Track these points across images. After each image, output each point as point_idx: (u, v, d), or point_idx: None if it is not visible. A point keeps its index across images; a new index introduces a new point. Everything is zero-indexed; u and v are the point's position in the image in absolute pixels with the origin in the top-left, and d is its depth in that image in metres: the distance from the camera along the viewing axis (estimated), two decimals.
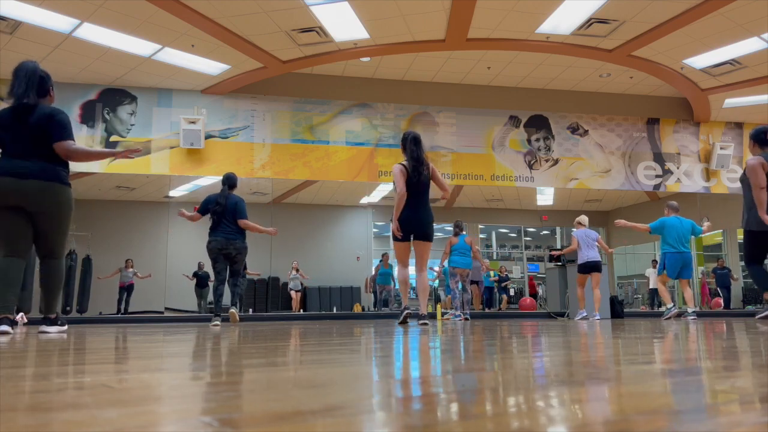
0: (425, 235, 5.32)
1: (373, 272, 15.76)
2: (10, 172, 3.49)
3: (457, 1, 8.50)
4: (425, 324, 5.14)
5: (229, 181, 6.29)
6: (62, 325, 3.81)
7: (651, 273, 15.83)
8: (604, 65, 11.07)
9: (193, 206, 6.53)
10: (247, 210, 6.35)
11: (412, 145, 5.31)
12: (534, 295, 17.00)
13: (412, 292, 5.75)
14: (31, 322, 6.83)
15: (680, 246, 7.72)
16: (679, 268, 7.73)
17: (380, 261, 14.37)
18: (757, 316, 5.94)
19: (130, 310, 13.48)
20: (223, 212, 6.11)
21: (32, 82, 3.65)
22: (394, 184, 5.33)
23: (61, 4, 8.19)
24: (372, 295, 16.00)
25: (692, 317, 7.49)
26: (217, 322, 5.97)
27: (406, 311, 5.26)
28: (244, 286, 6.51)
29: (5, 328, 3.46)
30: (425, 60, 10.89)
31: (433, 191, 5.58)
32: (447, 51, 10.38)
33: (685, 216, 8.11)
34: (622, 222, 7.89)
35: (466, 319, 8.74)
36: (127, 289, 13.48)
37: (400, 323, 5.30)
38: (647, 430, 0.69)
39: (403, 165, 5.30)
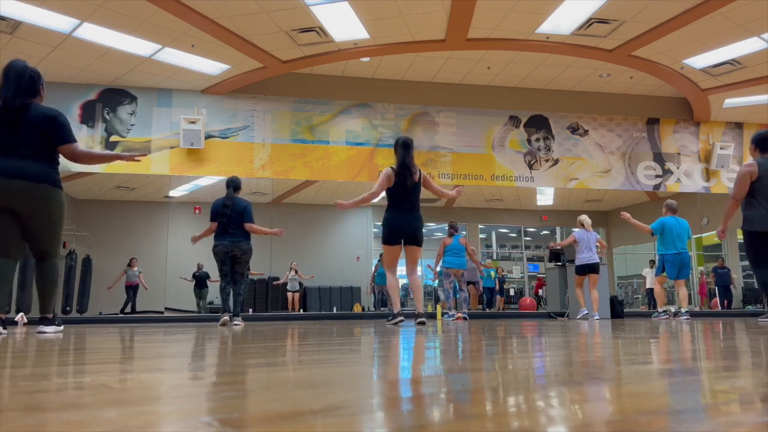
0: (415, 239, 5.39)
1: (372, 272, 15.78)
2: (1, 172, 3.47)
3: (457, 1, 8.50)
4: (422, 323, 5.16)
5: (234, 184, 6.35)
6: (59, 325, 3.82)
7: (648, 273, 15.85)
8: (604, 65, 11.07)
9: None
10: None
11: (401, 150, 5.37)
12: (538, 295, 16.95)
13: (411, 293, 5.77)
14: (32, 322, 6.83)
15: (678, 246, 7.74)
16: (678, 269, 7.75)
17: (378, 261, 14.39)
18: (760, 319, 5.90)
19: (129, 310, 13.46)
20: (232, 216, 6.16)
21: (22, 83, 3.62)
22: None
23: (61, 4, 8.18)
24: (372, 295, 16.02)
25: (685, 317, 7.49)
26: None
27: (399, 318, 5.25)
28: (246, 290, 6.53)
29: None
30: (425, 60, 10.89)
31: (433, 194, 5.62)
32: (447, 51, 10.38)
33: (686, 216, 8.13)
34: (627, 215, 7.92)
35: (465, 318, 8.73)
36: (133, 289, 13.44)
37: (389, 322, 5.37)
38: (647, 430, 0.69)
39: (392, 169, 5.36)
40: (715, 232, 16.34)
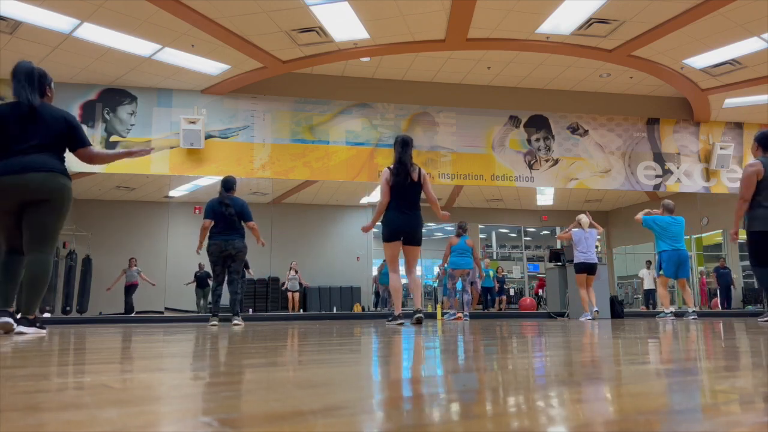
0: (414, 239, 5.37)
1: (375, 272, 15.79)
2: (11, 169, 3.49)
3: (457, 1, 8.49)
4: (419, 321, 5.17)
5: (228, 184, 6.37)
6: (41, 327, 3.68)
7: (645, 274, 15.86)
8: (604, 65, 11.06)
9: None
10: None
11: (399, 147, 5.37)
12: (538, 295, 16.93)
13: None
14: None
15: (675, 244, 7.75)
16: (675, 266, 7.75)
17: (383, 260, 14.39)
18: (760, 320, 5.90)
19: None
20: (231, 215, 6.17)
21: (32, 83, 3.67)
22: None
23: (61, 4, 8.18)
24: (373, 295, 16.01)
25: (692, 317, 7.49)
26: (215, 322, 6.02)
27: (400, 321, 5.24)
28: (243, 290, 6.56)
29: (6, 320, 3.44)
30: (425, 60, 10.89)
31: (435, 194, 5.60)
32: (447, 51, 10.37)
33: (686, 216, 8.14)
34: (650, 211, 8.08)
35: (465, 319, 8.72)
36: (132, 289, 13.43)
37: (389, 321, 5.39)
38: (647, 430, 0.69)
39: (389, 169, 5.37)
40: (714, 231, 16.40)
